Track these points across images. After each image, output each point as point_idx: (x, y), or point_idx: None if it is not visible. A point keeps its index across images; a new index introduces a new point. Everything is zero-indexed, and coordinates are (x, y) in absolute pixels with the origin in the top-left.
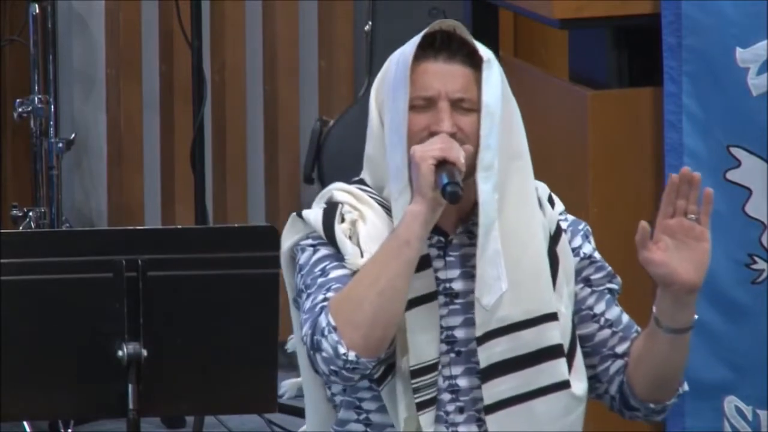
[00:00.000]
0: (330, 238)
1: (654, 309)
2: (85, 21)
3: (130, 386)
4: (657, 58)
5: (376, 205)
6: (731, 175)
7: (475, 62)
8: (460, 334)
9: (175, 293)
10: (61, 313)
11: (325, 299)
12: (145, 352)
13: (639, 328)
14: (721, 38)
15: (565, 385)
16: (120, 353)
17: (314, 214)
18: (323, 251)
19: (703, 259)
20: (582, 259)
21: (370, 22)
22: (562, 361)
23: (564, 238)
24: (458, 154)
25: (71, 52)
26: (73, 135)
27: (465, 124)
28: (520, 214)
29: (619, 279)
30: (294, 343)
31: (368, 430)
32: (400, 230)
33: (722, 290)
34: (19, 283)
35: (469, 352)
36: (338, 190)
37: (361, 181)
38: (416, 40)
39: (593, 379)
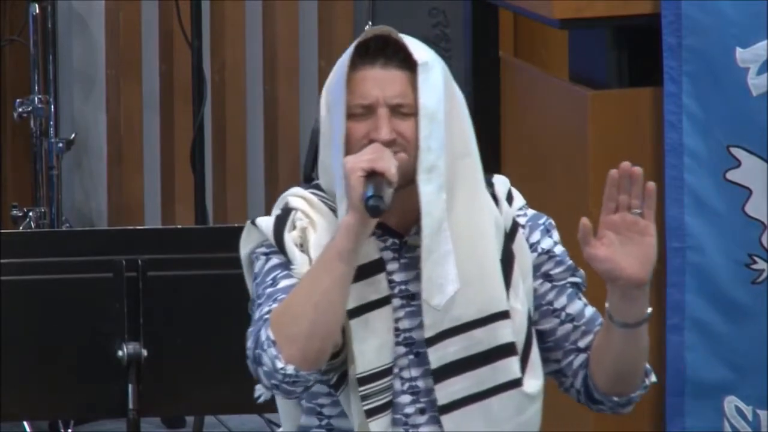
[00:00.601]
0: (280, 246)
1: (606, 304)
2: (85, 21)
3: (130, 386)
4: (657, 58)
5: (329, 211)
6: (731, 175)
7: (413, 66)
8: (418, 335)
9: (175, 293)
10: (61, 313)
11: (269, 311)
12: (145, 352)
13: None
14: (721, 38)
15: (517, 383)
16: (120, 353)
17: (266, 222)
18: (274, 260)
19: (648, 253)
20: (540, 254)
21: (370, 22)
22: (515, 360)
23: (520, 234)
24: (388, 165)
25: (71, 52)
26: (73, 135)
27: (405, 128)
28: (470, 212)
29: (582, 272)
30: None
31: None
32: (334, 242)
33: (722, 290)
34: (19, 283)
35: (428, 353)
36: (293, 196)
37: (318, 186)
38: (351, 48)
39: (559, 373)
